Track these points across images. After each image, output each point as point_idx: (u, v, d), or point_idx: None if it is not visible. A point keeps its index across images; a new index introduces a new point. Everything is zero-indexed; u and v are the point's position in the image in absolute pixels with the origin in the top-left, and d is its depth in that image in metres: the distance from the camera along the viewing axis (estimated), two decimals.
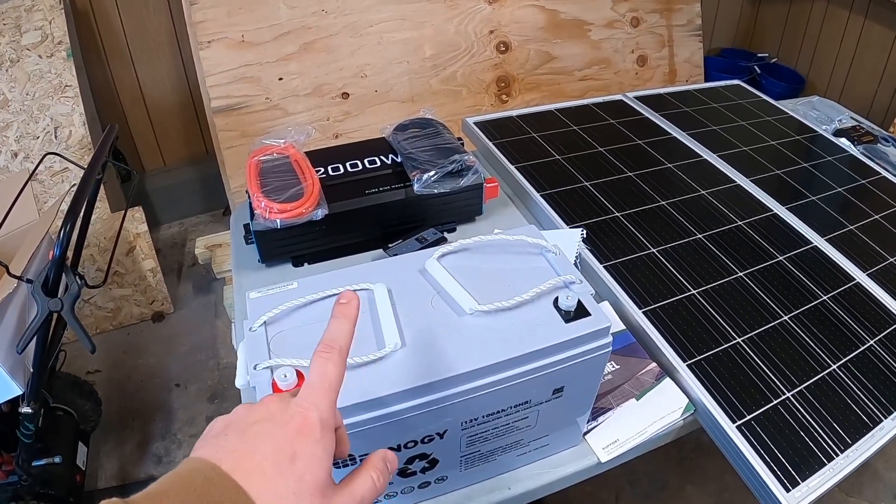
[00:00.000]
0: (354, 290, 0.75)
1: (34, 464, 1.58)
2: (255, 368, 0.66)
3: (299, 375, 0.65)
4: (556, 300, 0.73)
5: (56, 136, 2.27)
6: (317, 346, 0.53)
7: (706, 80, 3.12)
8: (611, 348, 0.74)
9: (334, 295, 0.75)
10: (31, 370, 1.40)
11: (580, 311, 0.72)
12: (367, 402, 0.64)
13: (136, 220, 2.36)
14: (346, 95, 2.49)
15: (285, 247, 1.18)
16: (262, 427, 0.47)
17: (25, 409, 1.42)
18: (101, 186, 2.24)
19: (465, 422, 0.72)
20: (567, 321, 0.71)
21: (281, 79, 2.40)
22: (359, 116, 2.52)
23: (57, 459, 1.64)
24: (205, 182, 2.94)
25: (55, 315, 1.32)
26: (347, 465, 0.70)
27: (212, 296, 2.59)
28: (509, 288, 0.74)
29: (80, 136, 2.28)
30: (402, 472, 0.76)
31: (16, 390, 1.37)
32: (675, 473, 1.89)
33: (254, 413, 0.49)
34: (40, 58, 2.25)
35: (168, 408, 2.14)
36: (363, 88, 2.51)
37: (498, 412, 0.73)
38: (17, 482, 1.56)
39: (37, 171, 2.14)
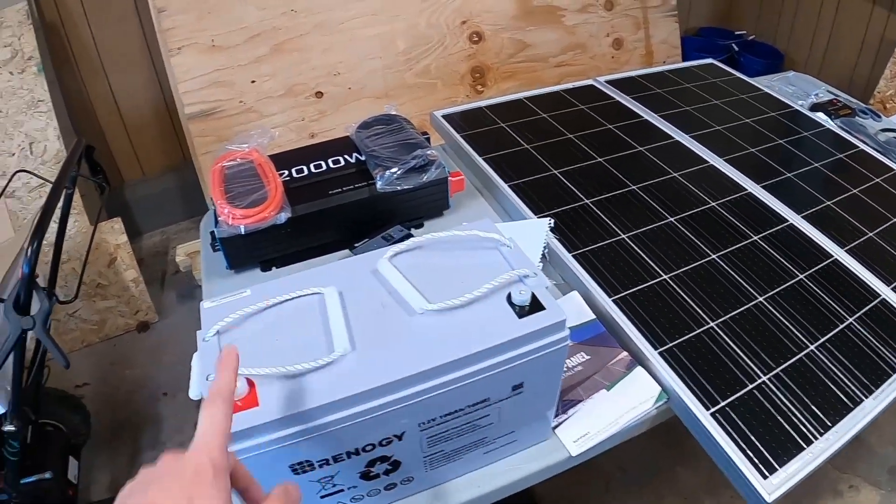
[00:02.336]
0: (306, 295, 0.75)
1: (24, 481, 1.57)
2: (207, 379, 0.65)
3: (250, 384, 0.64)
4: (509, 295, 0.72)
5: (31, 152, 2.25)
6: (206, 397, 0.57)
7: (684, 61, 3.11)
8: (569, 342, 0.73)
9: (287, 300, 0.74)
10: (10, 388, 1.39)
11: (535, 306, 0.71)
12: (317, 408, 0.63)
13: (116, 232, 2.34)
14: (319, 94, 2.47)
15: (252, 252, 1.17)
16: (160, 483, 0.49)
17: (8, 428, 1.42)
18: (80, 200, 2.24)
19: (423, 423, 0.71)
20: (521, 316, 0.70)
21: (254, 81, 2.39)
22: (334, 115, 2.51)
23: (48, 475, 1.63)
24: (184, 189, 2.93)
25: (28, 333, 1.31)
26: (306, 472, 0.69)
27: (196, 302, 2.55)
28: (462, 285, 0.73)
29: (56, 151, 2.26)
30: (366, 476, 0.75)
31: None
32: (665, 458, 1.88)
33: (152, 472, 0.51)
34: (11, 74, 2.23)
35: (157, 417, 2.13)
36: (337, 87, 2.50)
37: (456, 411, 0.72)
38: (8, 501, 1.55)
39: (13, 188, 2.13)
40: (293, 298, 0.74)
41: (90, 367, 2.31)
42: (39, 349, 1.51)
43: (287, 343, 0.70)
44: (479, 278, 0.73)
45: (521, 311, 0.70)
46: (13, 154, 2.23)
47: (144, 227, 3.00)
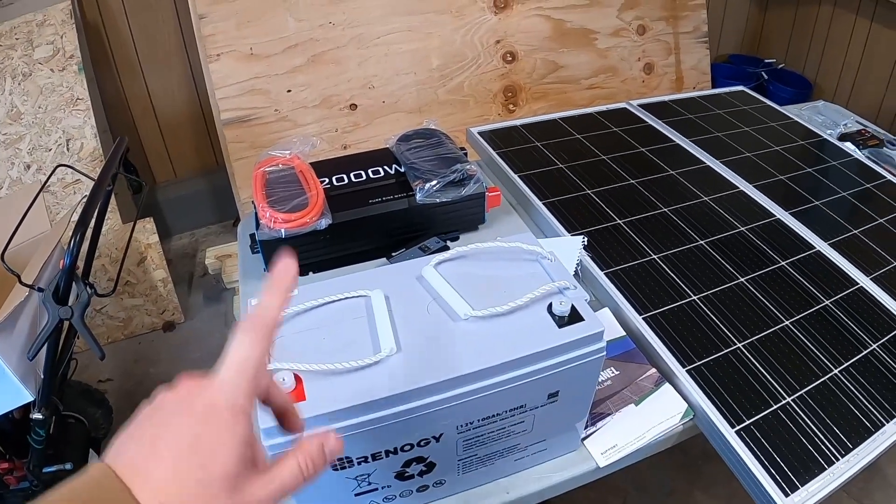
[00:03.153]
0: (353, 297, 0.77)
1: (45, 470, 1.59)
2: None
3: (297, 379, 0.67)
4: (549, 305, 0.74)
5: (68, 149, 2.30)
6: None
7: (714, 87, 3.13)
8: (605, 353, 0.75)
9: (332, 302, 0.77)
10: (42, 377, 1.42)
11: (574, 317, 0.73)
12: (362, 405, 0.65)
13: (147, 231, 2.38)
14: (354, 107, 2.51)
15: None
16: (168, 417, 0.44)
17: (36, 416, 1.44)
18: (113, 198, 2.28)
19: (461, 425, 0.73)
20: (560, 326, 0.72)
21: (289, 91, 2.43)
22: (367, 127, 2.54)
23: (68, 466, 1.65)
24: (215, 193, 2.97)
25: (66, 323, 1.34)
26: (345, 468, 0.71)
27: (222, 305, 2.61)
28: (504, 294, 0.75)
29: (92, 148, 2.31)
30: (400, 476, 0.77)
31: (27, 396, 1.39)
32: (681, 479, 1.89)
33: (164, 401, 0.45)
34: (52, 71, 2.28)
35: None
36: (371, 99, 2.53)
37: (493, 416, 0.74)
38: (28, 488, 1.58)
39: (49, 183, 2.17)
40: (340, 300, 0.77)
41: (114, 363, 2.34)
42: (69, 341, 1.54)
43: (333, 342, 0.72)
44: (521, 288, 0.75)
45: (561, 321, 0.73)
46: (50, 150, 2.27)
47: (174, 229, 3.04)
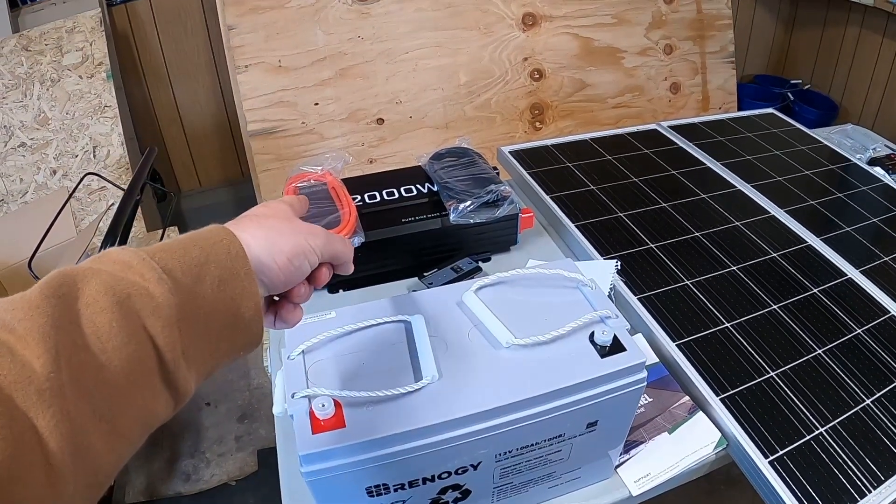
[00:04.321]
0: (394, 321, 0.77)
1: None
2: (292, 397, 0.67)
3: (336, 405, 0.66)
4: (591, 335, 0.74)
5: (94, 156, 2.31)
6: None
7: (739, 107, 3.12)
8: (646, 383, 0.74)
9: (372, 326, 0.76)
10: None
11: (616, 346, 0.73)
12: (403, 433, 0.65)
13: None
14: (381, 121, 2.52)
15: None
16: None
17: None
18: (139, 207, 2.29)
19: (500, 454, 0.72)
20: (603, 356, 0.72)
21: (317, 104, 2.43)
22: (393, 142, 2.55)
23: None
24: (240, 204, 2.98)
25: None
26: (381, 494, 0.71)
27: None
28: (545, 322, 0.75)
29: (118, 156, 2.32)
30: (435, 503, 0.77)
31: None
32: None
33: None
34: (81, 78, 2.30)
35: (198, 426, 2.15)
36: (398, 114, 2.54)
37: (532, 445, 0.74)
38: None
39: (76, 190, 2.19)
40: (380, 324, 0.77)
41: None
42: None
43: (373, 367, 0.72)
44: (563, 316, 0.75)
45: (604, 351, 0.72)
46: (76, 156, 2.29)
47: None
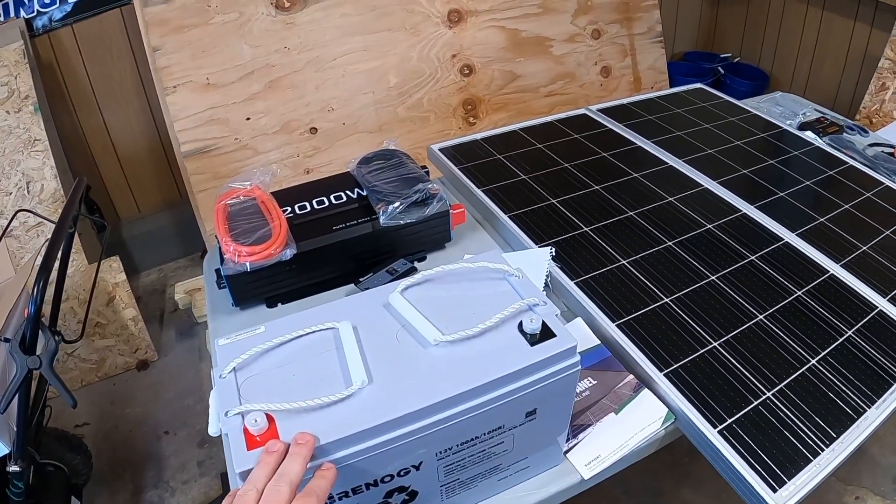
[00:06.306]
0: (321, 330, 0.76)
1: None
2: (226, 415, 0.66)
3: (270, 419, 0.65)
4: (520, 324, 0.74)
5: (28, 191, 2.26)
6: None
7: (672, 86, 3.14)
8: (580, 367, 0.74)
9: (300, 336, 0.75)
10: (15, 429, 1.39)
11: (545, 333, 0.73)
12: (338, 440, 0.64)
13: (114, 270, 2.35)
14: (314, 130, 2.49)
15: (257, 289, 1.18)
16: None
17: (13, 468, 1.41)
18: (77, 238, 2.25)
19: (440, 452, 0.72)
20: (532, 344, 0.72)
21: (248, 118, 2.41)
22: (328, 150, 2.53)
23: None
24: (181, 226, 2.94)
25: (35, 372, 1.31)
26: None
27: (195, 340, 2.58)
28: (474, 315, 0.75)
29: (53, 189, 2.27)
30: None
31: (2, 450, 1.36)
32: (669, 479, 1.89)
33: None
34: (8, 113, 2.24)
35: (159, 456, 2.12)
36: (331, 122, 2.52)
37: (472, 440, 0.73)
38: None
39: (11, 228, 2.14)
40: (308, 334, 0.76)
41: (90, 407, 2.30)
42: (41, 389, 1.51)
43: (304, 378, 0.71)
44: (490, 308, 0.75)
45: (533, 339, 0.72)
46: (10, 193, 2.24)
47: (142, 265, 3.00)
